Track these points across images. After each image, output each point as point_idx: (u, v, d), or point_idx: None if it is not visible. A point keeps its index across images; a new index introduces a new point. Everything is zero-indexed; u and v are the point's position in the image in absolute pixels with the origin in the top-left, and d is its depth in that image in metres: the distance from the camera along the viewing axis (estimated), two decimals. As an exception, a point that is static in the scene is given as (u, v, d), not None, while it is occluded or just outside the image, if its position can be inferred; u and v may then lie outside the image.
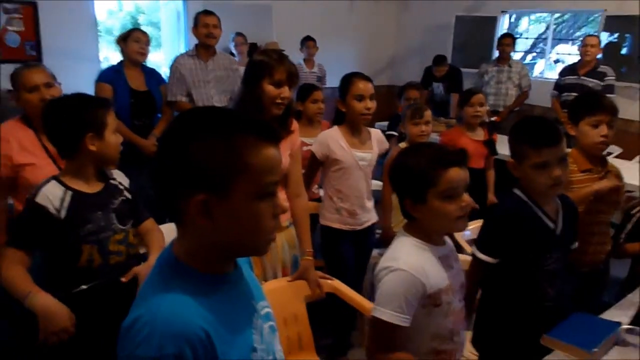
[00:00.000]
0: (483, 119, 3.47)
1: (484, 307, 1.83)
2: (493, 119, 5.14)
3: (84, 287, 1.68)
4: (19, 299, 1.57)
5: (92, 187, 1.75)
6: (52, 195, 1.66)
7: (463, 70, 6.20)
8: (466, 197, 1.39)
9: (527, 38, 7.57)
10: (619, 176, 2.19)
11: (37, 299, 1.56)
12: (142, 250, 2.01)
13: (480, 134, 3.41)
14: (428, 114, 2.87)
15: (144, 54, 3.54)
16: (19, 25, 4.98)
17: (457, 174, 1.38)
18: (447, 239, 1.56)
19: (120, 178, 1.86)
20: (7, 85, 3.87)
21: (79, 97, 1.75)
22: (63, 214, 1.66)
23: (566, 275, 1.84)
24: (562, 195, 1.81)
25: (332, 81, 5.91)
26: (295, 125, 2.16)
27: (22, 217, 1.73)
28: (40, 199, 1.65)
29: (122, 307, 1.01)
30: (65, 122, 1.67)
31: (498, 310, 1.78)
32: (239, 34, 5.60)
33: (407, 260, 1.39)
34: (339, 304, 2.11)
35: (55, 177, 1.72)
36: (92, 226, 1.71)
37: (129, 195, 1.84)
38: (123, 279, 1.70)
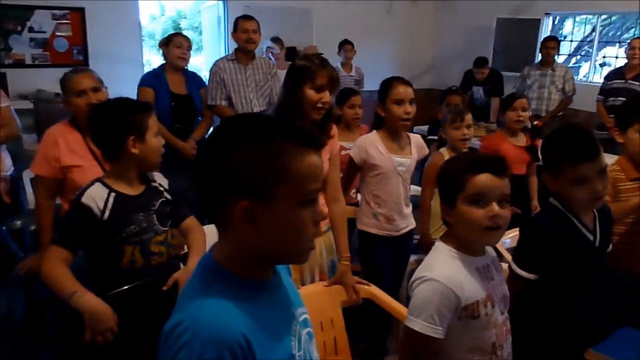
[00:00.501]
0: (525, 124, 3.39)
1: (520, 319, 1.76)
2: (535, 123, 5.02)
3: (125, 287, 1.71)
4: (63, 298, 1.60)
5: (134, 189, 1.79)
6: (97, 197, 1.71)
7: (504, 73, 6.08)
8: (494, 206, 1.34)
9: (571, 41, 7.37)
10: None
11: (84, 299, 1.59)
12: (182, 252, 2.05)
13: (522, 140, 3.33)
14: (469, 117, 2.82)
15: (186, 59, 3.59)
16: (67, 31, 5.17)
17: (488, 180, 1.34)
18: (489, 248, 1.52)
19: (159, 179, 1.90)
20: (55, 88, 4.01)
21: (122, 101, 1.79)
22: (107, 215, 1.71)
23: (608, 287, 1.77)
24: None
25: (371, 84, 5.89)
26: (334, 130, 2.16)
27: (67, 217, 1.79)
28: (85, 199, 1.70)
29: (162, 310, 1.03)
30: (108, 126, 1.72)
31: (536, 323, 1.71)
32: (275, 39, 5.61)
33: (442, 270, 1.36)
34: (375, 310, 2.10)
35: (99, 179, 1.77)
36: (134, 227, 1.75)
37: (168, 196, 1.88)
38: (164, 288, 1.72)
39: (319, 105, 1.95)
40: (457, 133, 2.77)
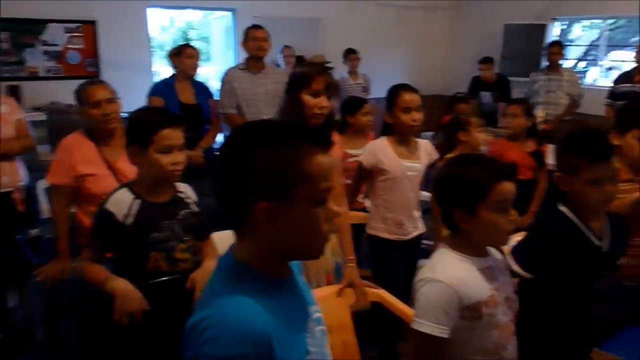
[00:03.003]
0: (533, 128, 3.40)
1: (525, 320, 1.77)
2: (542, 127, 5.01)
3: (149, 282, 1.75)
4: (98, 285, 1.72)
5: (160, 197, 1.82)
6: (122, 202, 1.75)
7: (512, 79, 6.09)
8: (512, 211, 1.38)
9: (579, 45, 7.37)
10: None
11: (117, 282, 1.71)
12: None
13: (529, 145, 3.35)
14: (475, 121, 2.86)
15: (196, 69, 3.69)
16: (80, 43, 5.27)
17: (509, 188, 1.37)
18: (494, 251, 1.53)
19: (188, 192, 1.92)
20: (68, 100, 4.07)
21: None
22: (130, 220, 1.74)
23: (615, 292, 1.78)
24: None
25: (379, 91, 5.91)
26: (335, 137, 2.18)
27: (93, 222, 1.83)
28: (109, 205, 1.75)
29: (180, 307, 1.06)
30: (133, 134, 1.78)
31: (541, 325, 1.71)
32: (286, 46, 5.72)
33: (445, 271, 1.38)
34: (386, 315, 2.11)
35: (126, 185, 1.81)
36: (159, 234, 1.78)
37: (195, 209, 1.90)
38: (187, 286, 1.76)
39: (316, 110, 1.98)
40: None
